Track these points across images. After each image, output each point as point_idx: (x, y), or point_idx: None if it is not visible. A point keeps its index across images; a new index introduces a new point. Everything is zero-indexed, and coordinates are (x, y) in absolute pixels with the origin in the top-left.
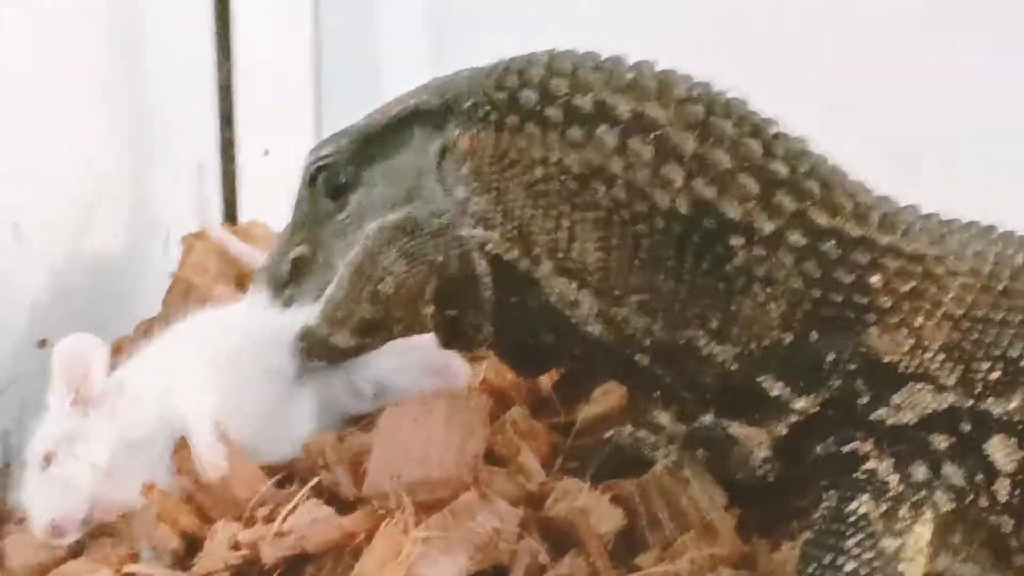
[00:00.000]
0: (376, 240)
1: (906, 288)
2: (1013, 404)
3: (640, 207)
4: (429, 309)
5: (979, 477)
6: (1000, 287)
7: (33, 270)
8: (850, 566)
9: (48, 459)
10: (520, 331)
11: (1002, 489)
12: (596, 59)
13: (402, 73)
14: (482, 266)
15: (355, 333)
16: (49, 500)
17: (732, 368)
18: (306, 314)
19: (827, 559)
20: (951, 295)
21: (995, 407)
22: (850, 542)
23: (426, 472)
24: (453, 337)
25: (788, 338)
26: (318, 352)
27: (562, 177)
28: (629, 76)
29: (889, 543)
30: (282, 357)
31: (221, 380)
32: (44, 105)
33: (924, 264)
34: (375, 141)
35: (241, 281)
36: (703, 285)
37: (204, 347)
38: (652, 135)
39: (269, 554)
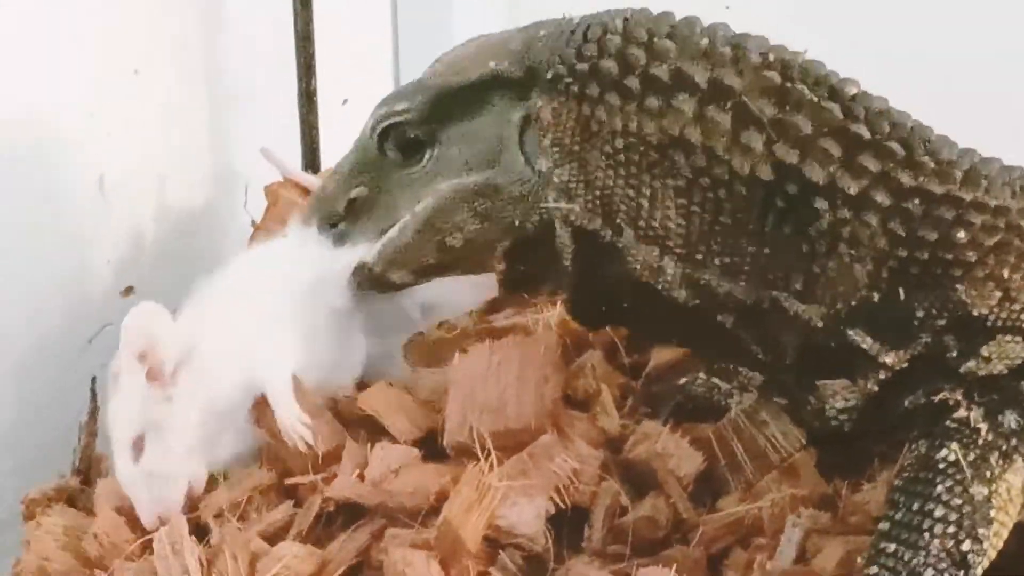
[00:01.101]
0: (451, 197)
1: (992, 242)
2: None
3: (721, 174)
4: (499, 265)
5: None
6: None
7: (118, 221)
8: (940, 512)
9: (137, 447)
10: (599, 296)
11: None
12: (671, 22)
13: (479, 18)
14: (564, 236)
15: (413, 273)
16: (149, 494)
17: (818, 326)
18: (361, 252)
19: (916, 505)
20: None
21: None
22: (939, 488)
23: (504, 421)
24: (521, 285)
25: (875, 296)
26: (371, 286)
27: (642, 147)
28: (704, 42)
29: (980, 490)
30: (339, 293)
31: (287, 330)
32: (127, 62)
33: (1008, 217)
34: (452, 102)
35: None
36: (787, 247)
37: (265, 296)
38: (730, 103)
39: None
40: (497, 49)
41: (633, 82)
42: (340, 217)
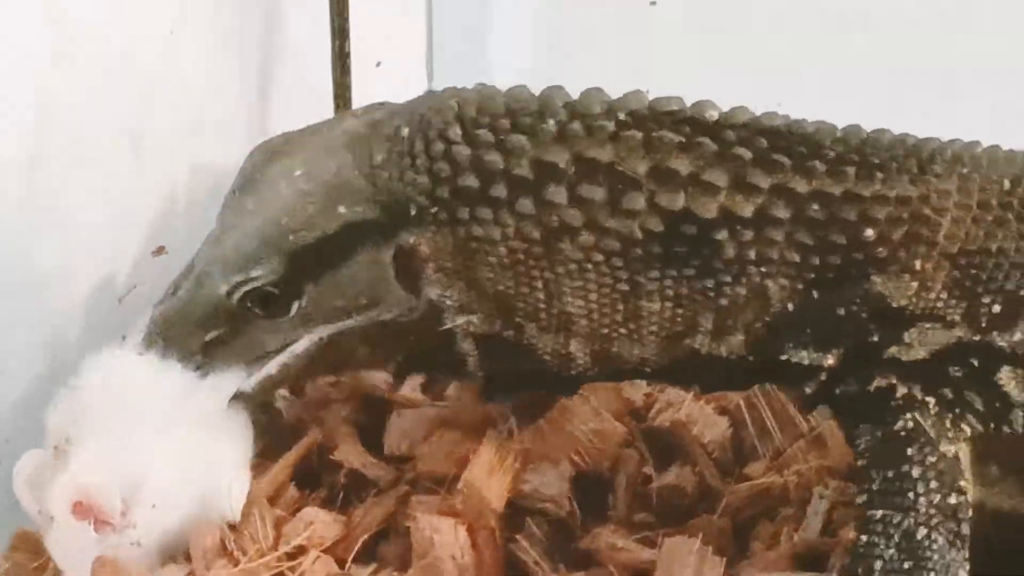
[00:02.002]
0: (334, 337)
1: (899, 235)
2: (1017, 336)
3: (611, 244)
4: (391, 370)
5: (997, 406)
6: (991, 216)
7: (152, 182)
8: (917, 471)
9: None
10: (511, 384)
11: (1016, 420)
12: (508, 106)
13: None
14: (467, 346)
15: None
16: None
17: (747, 357)
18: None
19: (891, 472)
20: (943, 232)
21: (999, 340)
22: (910, 451)
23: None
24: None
25: (791, 307)
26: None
27: (525, 247)
28: (552, 124)
29: (948, 448)
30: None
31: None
32: (162, 23)
33: (911, 207)
34: (311, 257)
35: None
36: (689, 292)
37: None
38: (600, 175)
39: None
40: (337, 191)
41: (499, 190)
42: (195, 351)
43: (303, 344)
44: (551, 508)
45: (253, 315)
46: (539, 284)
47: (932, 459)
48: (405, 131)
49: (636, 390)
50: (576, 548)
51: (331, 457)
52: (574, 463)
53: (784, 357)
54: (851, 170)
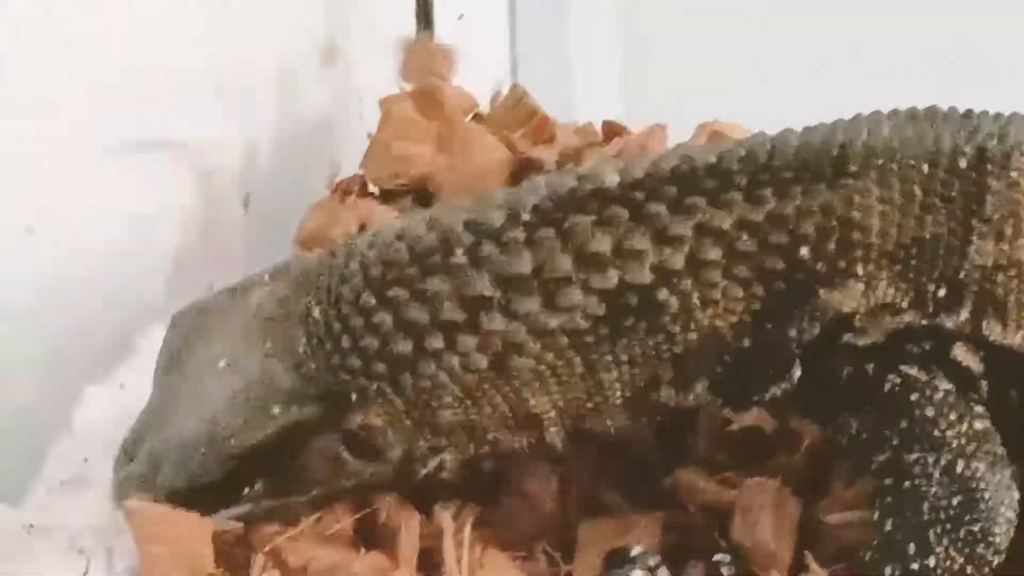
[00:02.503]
0: (297, 506)
1: (832, 246)
2: (963, 316)
3: (560, 342)
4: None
5: (961, 377)
6: (917, 205)
7: (236, 132)
8: (930, 410)
9: None
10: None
11: (981, 390)
12: (412, 251)
13: None
14: (447, 476)
15: None
16: None
17: (717, 403)
18: None
19: (904, 423)
20: (875, 231)
21: (948, 322)
22: (913, 396)
23: None
24: None
25: (746, 342)
26: None
27: (476, 376)
28: (461, 254)
29: (945, 383)
30: None
31: None
32: None
33: (836, 214)
34: (255, 458)
35: (441, 144)
36: (644, 352)
37: None
38: (529, 286)
39: None
40: (266, 392)
41: (435, 341)
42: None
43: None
44: (636, 450)
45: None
46: (499, 400)
47: (939, 395)
48: (316, 311)
49: None
50: (656, 489)
51: None
52: None
53: (757, 399)
54: (768, 192)
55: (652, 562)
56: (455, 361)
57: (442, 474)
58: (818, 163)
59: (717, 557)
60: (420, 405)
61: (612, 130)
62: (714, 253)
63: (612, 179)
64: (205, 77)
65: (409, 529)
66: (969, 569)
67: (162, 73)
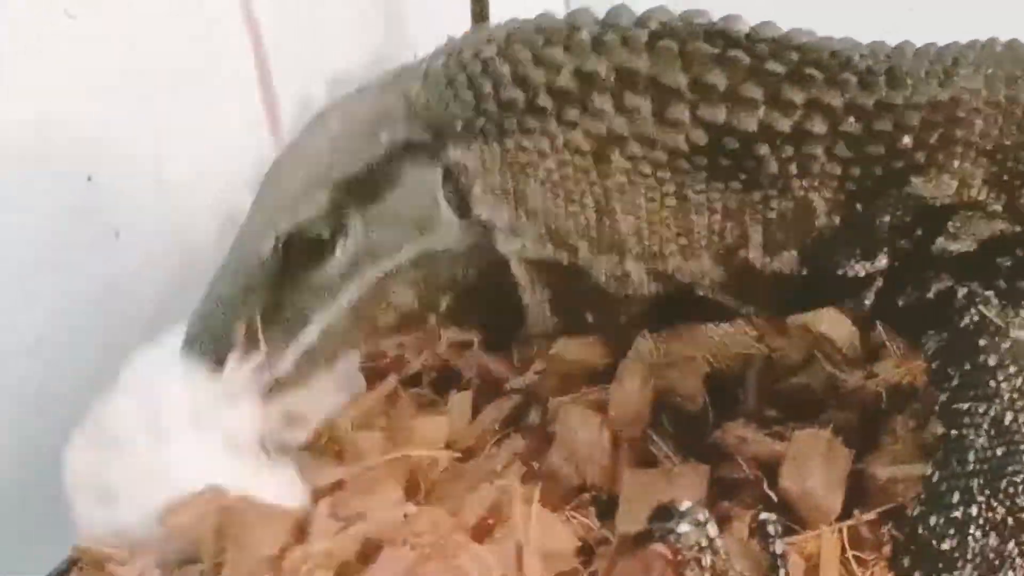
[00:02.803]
0: (380, 281)
1: (934, 138)
2: None
3: (658, 156)
4: (431, 324)
5: None
6: (1020, 111)
7: (282, 86)
8: (993, 359)
9: None
10: (564, 317)
11: None
12: (539, 27)
13: None
14: (520, 273)
15: (326, 367)
16: None
17: (795, 270)
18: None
19: (967, 365)
20: (978, 131)
21: None
22: (982, 341)
23: None
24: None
25: (837, 220)
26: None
27: (574, 158)
28: (584, 36)
29: (1019, 333)
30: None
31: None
32: None
33: (943, 110)
34: (356, 188)
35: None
36: (738, 205)
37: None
38: (642, 85)
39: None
40: (377, 121)
41: (544, 100)
42: (235, 344)
43: (347, 297)
44: (685, 403)
45: (299, 270)
46: (588, 200)
47: (1006, 345)
48: (437, 62)
49: None
50: (707, 442)
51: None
52: (707, 361)
53: (839, 272)
54: (882, 80)
55: (701, 517)
56: (558, 131)
57: (516, 269)
58: (932, 64)
59: (763, 516)
60: (514, 168)
61: None
62: (819, 128)
63: (742, 28)
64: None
65: (478, 490)
66: (1010, 520)
67: None
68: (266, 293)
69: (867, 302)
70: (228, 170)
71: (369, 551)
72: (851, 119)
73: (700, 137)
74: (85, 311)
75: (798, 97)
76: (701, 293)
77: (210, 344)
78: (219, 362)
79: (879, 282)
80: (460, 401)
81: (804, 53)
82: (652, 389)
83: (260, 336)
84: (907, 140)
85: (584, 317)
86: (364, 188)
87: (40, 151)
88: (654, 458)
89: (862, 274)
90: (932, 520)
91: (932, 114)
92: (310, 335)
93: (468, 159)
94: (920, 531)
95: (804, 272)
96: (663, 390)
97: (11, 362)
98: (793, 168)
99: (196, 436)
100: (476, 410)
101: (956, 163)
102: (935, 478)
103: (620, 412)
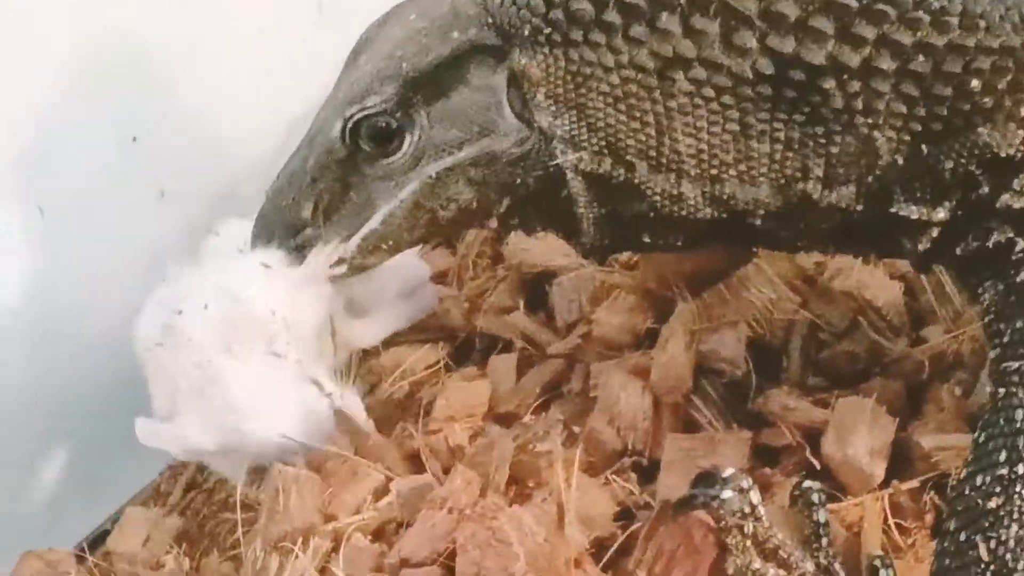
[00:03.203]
0: (442, 176)
1: (1004, 83)
2: None
3: (722, 81)
4: (491, 224)
5: None
6: None
7: (334, 47)
8: None
9: None
10: (619, 233)
11: None
12: None
13: None
14: (576, 185)
15: (390, 252)
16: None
17: (853, 207)
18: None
19: (1020, 323)
20: None
21: None
22: None
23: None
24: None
25: (900, 160)
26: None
27: (638, 76)
28: None
29: None
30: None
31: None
32: None
33: (1015, 55)
34: (425, 84)
35: None
36: (800, 137)
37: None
38: (712, 8)
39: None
40: (450, 20)
41: (612, 15)
42: (305, 223)
43: (410, 188)
44: (727, 369)
45: (366, 155)
46: (650, 119)
47: None
48: None
49: (808, 257)
50: (749, 409)
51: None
52: (750, 327)
53: (895, 210)
54: (954, 20)
55: (745, 484)
56: (624, 47)
57: (573, 182)
58: (1008, 8)
59: (807, 484)
60: (577, 80)
61: None
62: (888, 65)
63: None
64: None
65: (502, 450)
66: None
67: None
68: (335, 176)
69: (921, 247)
70: (273, 132)
71: (406, 514)
72: (920, 58)
73: (766, 66)
74: (131, 272)
75: (869, 32)
76: (756, 222)
77: (280, 223)
78: (289, 239)
79: (935, 232)
80: (503, 365)
81: None
82: (695, 354)
83: (326, 218)
84: (976, 83)
85: (639, 236)
86: (431, 84)
87: (85, 113)
88: (696, 423)
89: (916, 217)
90: (979, 479)
91: (1003, 58)
92: (375, 222)
93: (533, 66)
94: (967, 491)
95: (860, 208)
96: (706, 355)
97: (57, 325)
98: (859, 104)
99: (264, 356)
100: (519, 374)
101: (1023, 110)
102: (982, 438)
103: (662, 377)
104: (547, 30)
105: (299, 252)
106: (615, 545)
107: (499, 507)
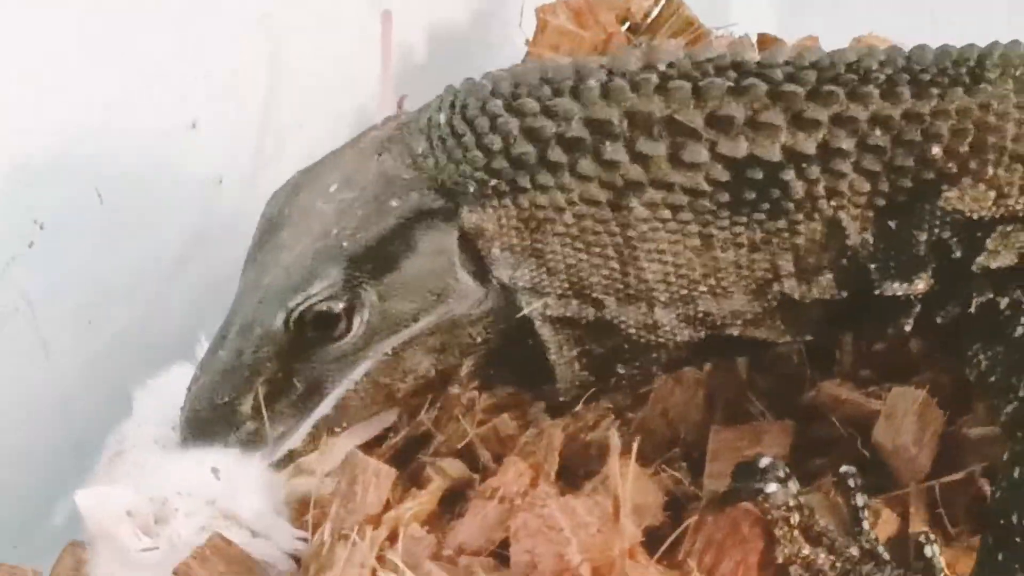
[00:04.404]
0: (399, 351)
1: (966, 146)
2: None
3: (678, 199)
4: (455, 389)
5: None
6: None
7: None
8: None
9: None
10: (594, 371)
11: None
12: (539, 76)
13: None
14: (546, 332)
15: (338, 435)
16: None
17: (841, 294)
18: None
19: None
20: (1011, 136)
21: None
22: None
23: None
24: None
25: (870, 238)
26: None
27: (592, 210)
28: (592, 83)
29: None
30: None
31: None
32: None
33: (972, 116)
34: (370, 259)
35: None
36: (763, 236)
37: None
38: (656, 128)
39: None
40: (384, 187)
41: (556, 154)
42: (245, 418)
43: (363, 368)
44: (780, 362)
45: (311, 342)
46: (610, 251)
47: None
48: (440, 117)
49: None
50: (802, 401)
51: None
52: None
53: (877, 292)
54: (905, 90)
55: (782, 473)
56: (573, 184)
57: (541, 329)
58: (956, 69)
59: (844, 469)
60: (531, 225)
61: (767, 42)
62: (847, 143)
63: (752, 56)
64: None
65: (552, 440)
66: None
67: None
68: (276, 368)
69: (906, 325)
70: (332, 115)
71: (458, 504)
72: (877, 131)
73: (720, 173)
74: (185, 256)
75: (822, 115)
76: (735, 333)
77: (217, 421)
78: (228, 436)
79: (918, 306)
80: None
81: (821, 71)
82: None
83: (268, 409)
84: (936, 150)
85: (615, 369)
86: (378, 259)
87: (144, 100)
88: (749, 416)
89: (899, 294)
90: (1015, 518)
91: (961, 121)
92: (326, 407)
93: (484, 221)
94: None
95: (844, 295)
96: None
97: (110, 307)
98: (820, 189)
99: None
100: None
101: (990, 170)
102: (1015, 474)
103: (715, 371)
104: (493, 181)
105: (243, 444)
106: (671, 537)
107: (550, 495)
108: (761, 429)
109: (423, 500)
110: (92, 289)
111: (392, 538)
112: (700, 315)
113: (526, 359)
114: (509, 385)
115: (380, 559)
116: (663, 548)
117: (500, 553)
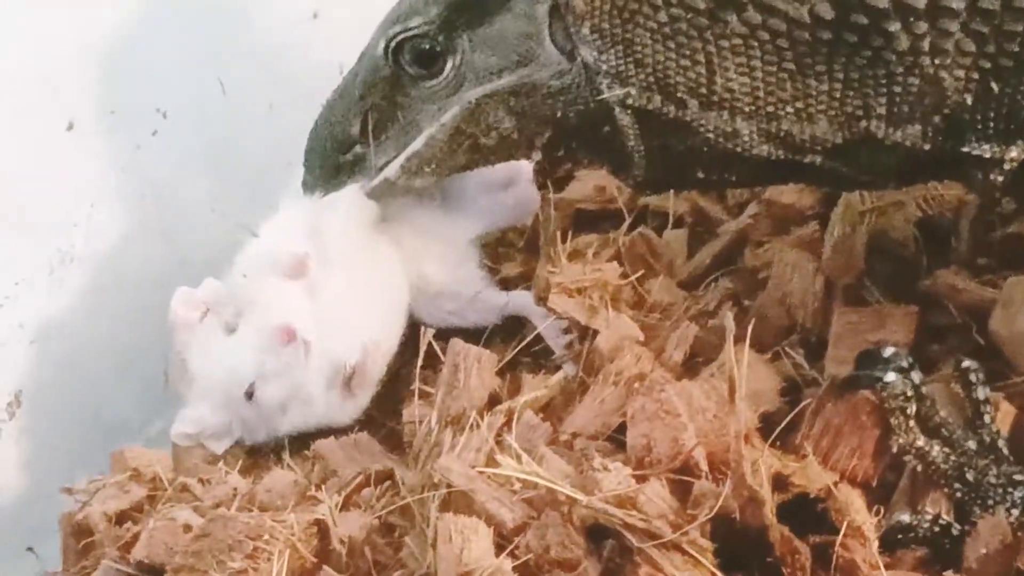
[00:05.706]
0: (483, 102)
1: None
2: None
3: (778, 25)
4: (536, 156)
5: None
6: None
7: None
8: None
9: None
10: (670, 168)
11: None
12: None
13: None
14: (625, 120)
15: (436, 175)
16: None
17: (924, 147)
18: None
19: None
20: None
21: None
22: None
23: None
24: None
25: (969, 99)
26: (391, 194)
27: (688, 15)
28: None
29: None
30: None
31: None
32: None
33: None
34: (469, 8)
35: None
36: (860, 77)
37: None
38: None
39: None
40: None
41: None
42: (354, 140)
43: (452, 113)
44: (897, 249)
45: (408, 79)
46: (700, 57)
47: None
48: None
49: None
50: (918, 288)
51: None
52: (919, 207)
53: (967, 149)
54: None
55: (905, 363)
56: None
57: (621, 116)
58: None
59: (966, 363)
60: (625, 16)
61: None
62: (956, 3)
63: None
64: None
65: (684, 334)
66: None
67: None
68: (382, 95)
69: (994, 178)
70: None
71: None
72: None
73: (826, 11)
74: (239, 184)
75: None
76: (813, 160)
77: (330, 137)
78: (338, 154)
79: (1007, 167)
80: (676, 238)
81: None
82: (865, 234)
83: (374, 137)
84: None
85: (693, 172)
86: (475, 8)
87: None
88: (866, 303)
89: (987, 156)
90: None
91: None
92: (418, 144)
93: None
94: None
95: (928, 147)
96: (875, 236)
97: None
98: (925, 45)
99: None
100: (690, 250)
101: None
102: None
103: (833, 257)
104: None
105: (349, 168)
106: (784, 422)
107: (667, 380)
108: (884, 313)
109: (539, 393)
110: (215, 177)
111: (508, 424)
112: (781, 133)
113: (603, 143)
114: (590, 160)
115: (498, 443)
116: (777, 431)
117: (616, 437)
